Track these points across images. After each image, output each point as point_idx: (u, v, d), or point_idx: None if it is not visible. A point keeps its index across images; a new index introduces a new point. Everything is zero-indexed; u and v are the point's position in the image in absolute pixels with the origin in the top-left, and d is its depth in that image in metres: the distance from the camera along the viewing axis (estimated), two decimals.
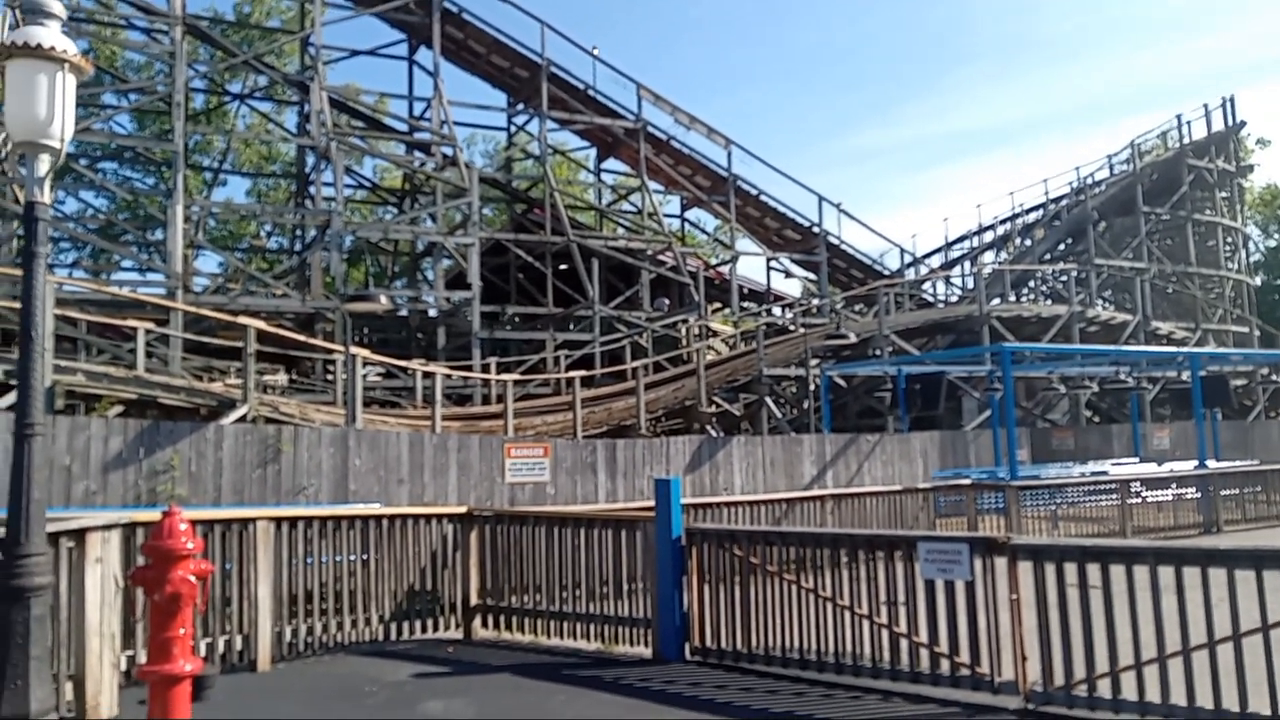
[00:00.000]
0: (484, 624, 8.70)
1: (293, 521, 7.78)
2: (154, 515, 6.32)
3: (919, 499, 14.01)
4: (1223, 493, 17.06)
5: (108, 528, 6.40)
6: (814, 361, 23.41)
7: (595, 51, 27.83)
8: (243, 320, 12.88)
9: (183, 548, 6.07)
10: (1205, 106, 38.91)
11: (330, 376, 19.30)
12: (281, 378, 17.44)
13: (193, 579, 6.06)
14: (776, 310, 31.43)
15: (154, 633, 6.00)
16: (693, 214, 34.37)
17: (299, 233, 28.53)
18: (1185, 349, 27.72)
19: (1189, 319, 34.43)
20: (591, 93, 27.82)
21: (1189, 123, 38.62)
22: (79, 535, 6.16)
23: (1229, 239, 38.84)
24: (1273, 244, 52.97)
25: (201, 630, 7.04)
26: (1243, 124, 40.28)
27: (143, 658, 6.28)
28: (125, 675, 6.43)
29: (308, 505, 11.28)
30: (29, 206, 5.27)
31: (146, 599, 6.12)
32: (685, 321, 26.96)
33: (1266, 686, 5.27)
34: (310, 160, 26.83)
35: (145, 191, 31.34)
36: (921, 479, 18.44)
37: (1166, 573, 5.75)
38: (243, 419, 12.25)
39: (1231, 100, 38.97)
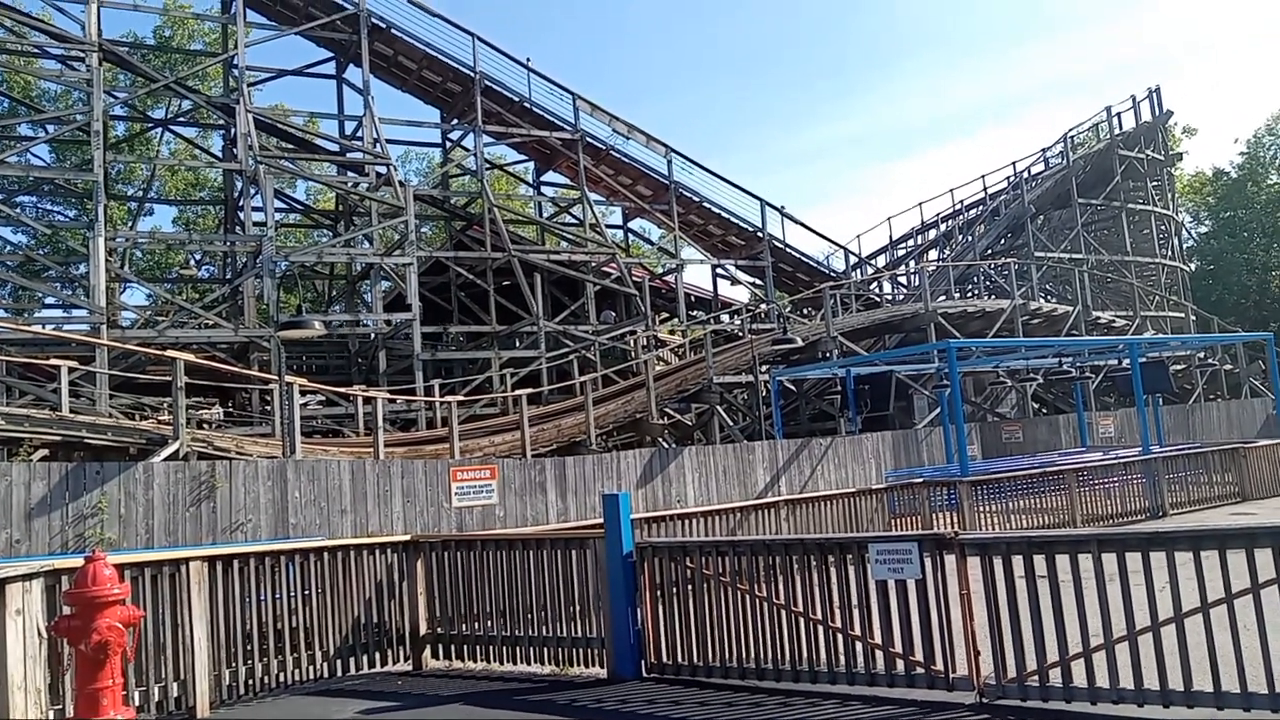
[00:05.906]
0: (434, 654, 8.48)
1: (228, 560, 7.52)
2: (79, 562, 6.04)
3: (873, 500, 14.07)
4: (1167, 477, 17.44)
5: (28, 577, 6.12)
6: (763, 367, 23.43)
7: (529, 62, 27.65)
8: (171, 353, 12.44)
9: (108, 594, 5.81)
10: (1133, 98, 40.17)
11: (268, 407, 18.79)
12: (216, 411, 16.92)
13: (120, 626, 5.79)
14: (724, 317, 31.43)
15: (81, 684, 5.73)
16: (636, 224, 34.21)
17: (230, 260, 27.80)
18: (1125, 337, 28.35)
19: (1127, 307, 35.26)
20: (527, 105, 27.61)
21: (1118, 114, 39.79)
22: None
23: (1162, 227, 39.98)
24: (1204, 230, 54.65)
25: (135, 678, 6.73)
26: (1169, 114, 41.61)
27: (72, 711, 5.99)
28: None
29: (244, 543, 10.91)
30: None
31: (72, 650, 5.84)
32: (633, 333, 26.76)
33: (1208, 664, 5.33)
34: (239, 185, 26.21)
35: (66, 224, 30.38)
36: (875, 480, 18.52)
37: (1110, 559, 5.82)
38: (174, 456, 11.81)
39: (1157, 91, 40.30)
